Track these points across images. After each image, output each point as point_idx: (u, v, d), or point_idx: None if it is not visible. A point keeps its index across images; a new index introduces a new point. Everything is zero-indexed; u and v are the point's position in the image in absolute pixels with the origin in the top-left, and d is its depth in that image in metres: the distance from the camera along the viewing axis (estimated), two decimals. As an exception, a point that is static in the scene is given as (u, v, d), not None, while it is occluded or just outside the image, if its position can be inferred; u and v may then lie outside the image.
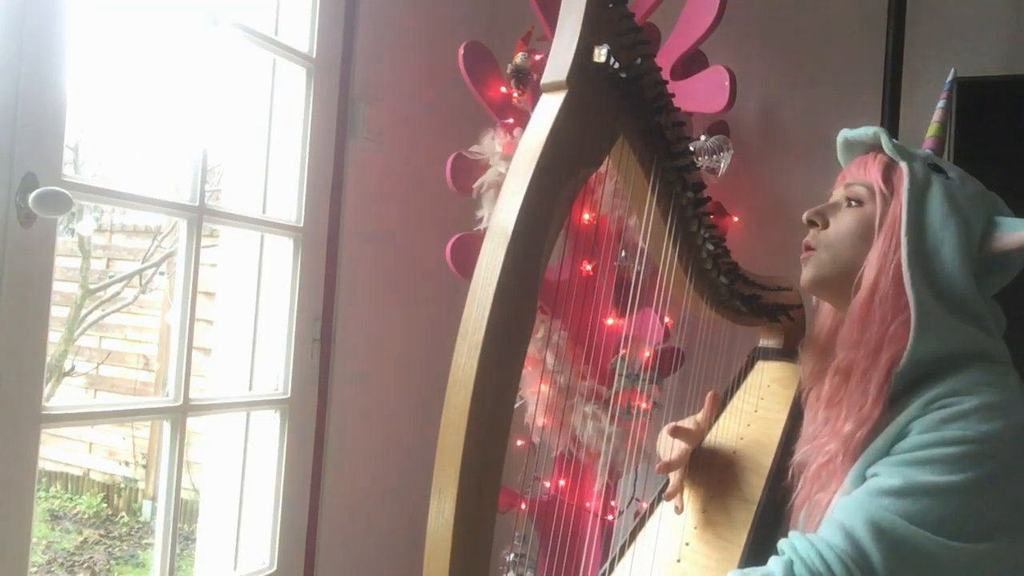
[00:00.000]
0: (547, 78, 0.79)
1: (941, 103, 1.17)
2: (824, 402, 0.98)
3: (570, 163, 0.78)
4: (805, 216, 1.05)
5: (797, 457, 1.02)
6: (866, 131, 1.05)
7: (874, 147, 1.04)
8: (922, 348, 0.89)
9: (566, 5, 0.80)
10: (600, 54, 0.79)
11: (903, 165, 0.97)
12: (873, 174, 1.00)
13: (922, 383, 0.89)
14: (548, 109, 0.78)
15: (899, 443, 0.87)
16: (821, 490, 0.93)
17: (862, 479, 0.88)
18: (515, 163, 0.76)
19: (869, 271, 0.96)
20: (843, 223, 1.02)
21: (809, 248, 1.04)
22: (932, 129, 1.15)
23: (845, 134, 1.08)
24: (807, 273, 1.04)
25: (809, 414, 1.06)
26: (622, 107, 0.84)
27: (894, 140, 1.00)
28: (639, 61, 0.84)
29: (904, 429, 0.87)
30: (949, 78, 1.20)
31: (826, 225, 1.03)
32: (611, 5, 0.81)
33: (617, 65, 0.81)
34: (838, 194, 1.05)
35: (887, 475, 0.84)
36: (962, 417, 0.83)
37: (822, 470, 0.94)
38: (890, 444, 0.88)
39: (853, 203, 1.02)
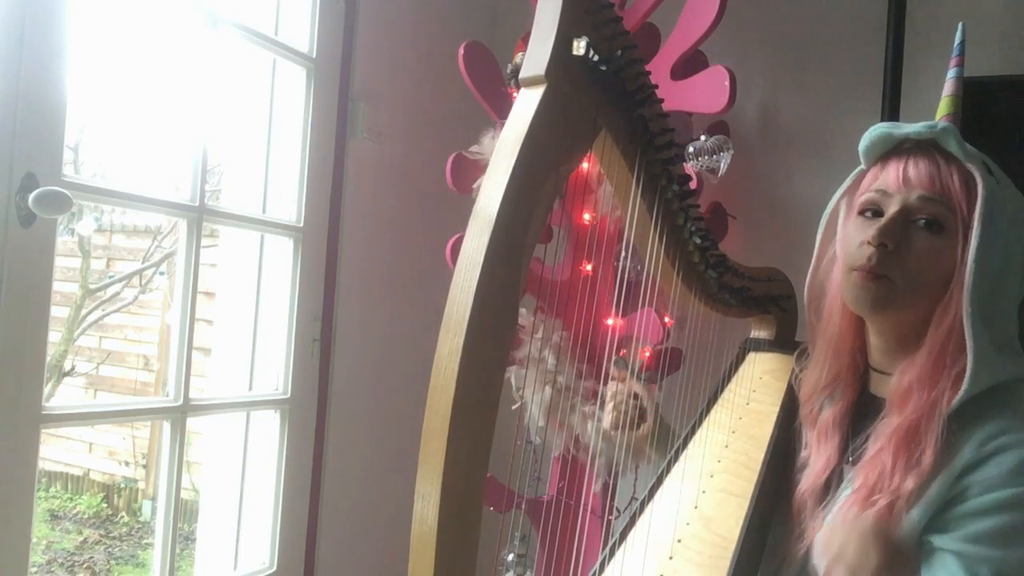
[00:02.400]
0: (525, 72, 0.78)
1: (952, 72, 1.00)
2: (888, 457, 0.89)
3: (550, 158, 0.77)
4: (876, 239, 0.90)
5: (804, 485, 0.99)
6: (929, 125, 0.91)
7: (920, 144, 0.92)
8: (974, 389, 0.86)
9: (544, -3, 0.79)
10: (579, 47, 0.78)
11: (979, 177, 0.87)
12: (956, 192, 0.88)
13: (967, 418, 0.86)
14: (527, 104, 0.77)
15: (967, 502, 0.83)
16: None
17: (919, 532, 0.85)
18: (495, 158, 0.76)
19: (945, 317, 0.88)
20: (922, 249, 0.90)
21: (875, 274, 0.91)
22: (946, 104, 0.99)
23: (889, 130, 0.94)
24: (875, 296, 0.91)
25: (812, 436, 1.03)
26: (603, 100, 0.83)
27: (961, 139, 0.89)
28: (619, 53, 0.83)
29: (962, 479, 0.84)
30: (958, 39, 1.01)
31: (897, 248, 0.90)
32: (589, -5, 0.80)
33: (597, 58, 0.79)
34: (894, 201, 0.92)
35: (984, 550, 0.80)
36: None
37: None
38: (946, 492, 0.84)
39: (932, 225, 0.90)
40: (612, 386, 1.24)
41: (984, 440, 0.84)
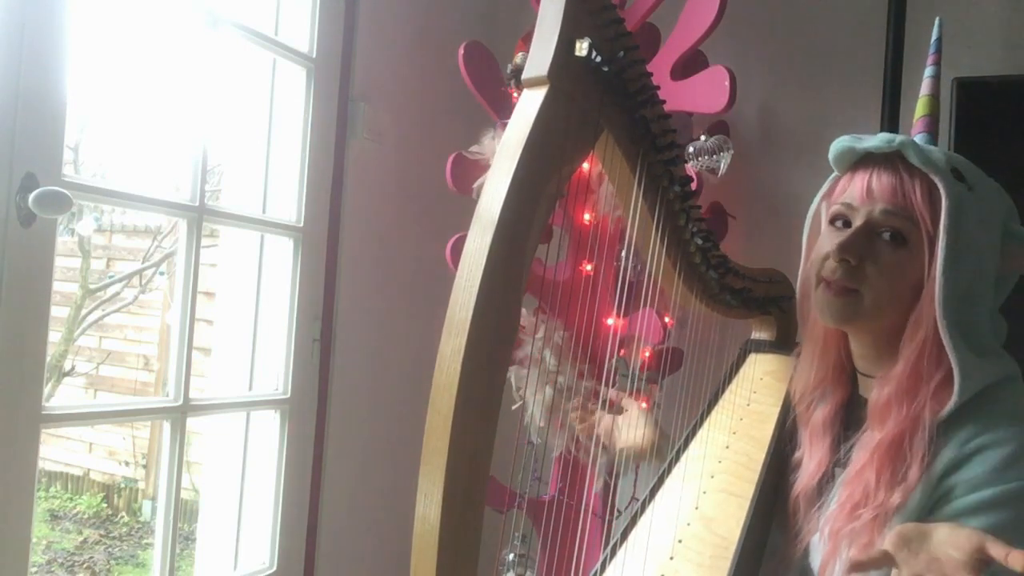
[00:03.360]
0: (528, 73, 0.78)
1: (929, 70, 0.99)
2: (872, 473, 0.89)
3: (553, 159, 0.77)
4: (837, 255, 0.91)
5: (798, 487, 0.99)
6: (887, 139, 0.91)
7: (887, 155, 0.92)
8: (964, 397, 0.86)
9: (546, -2, 0.78)
10: (581, 48, 0.78)
11: (941, 188, 0.87)
12: (919, 204, 0.88)
13: (948, 423, 0.86)
14: (529, 105, 0.77)
15: (953, 503, 0.82)
16: (851, 548, 0.88)
17: None
18: (497, 159, 0.76)
19: (918, 330, 0.88)
20: (887, 263, 0.90)
21: (842, 288, 0.92)
22: (923, 105, 0.98)
23: (851, 144, 0.94)
24: (840, 309, 0.92)
25: (805, 437, 1.03)
26: (605, 101, 0.83)
27: (922, 150, 0.89)
28: (622, 54, 0.83)
29: (944, 480, 0.84)
30: (935, 35, 1.01)
31: (860, 261, 0.91)
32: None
33: (599, 59, 0.80)
34: (859, 214, 0.92)
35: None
36: (1014, 463, 0.80)
37: (855, 533, 0.88)
38: (929, 496, 0.84)
39: (896, 237, 0.90)
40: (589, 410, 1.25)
41: (966, 440, 0.84)
